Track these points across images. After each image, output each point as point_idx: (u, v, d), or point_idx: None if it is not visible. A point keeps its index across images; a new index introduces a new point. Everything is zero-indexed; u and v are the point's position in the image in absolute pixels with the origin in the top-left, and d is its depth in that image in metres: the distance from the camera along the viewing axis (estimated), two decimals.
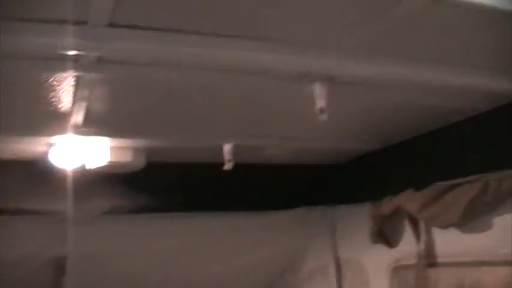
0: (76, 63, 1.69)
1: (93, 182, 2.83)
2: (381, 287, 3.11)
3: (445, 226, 2.60)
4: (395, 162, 2.98)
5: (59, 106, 2.12)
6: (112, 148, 2.63)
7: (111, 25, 1.51)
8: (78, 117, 2.21)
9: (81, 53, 1.59)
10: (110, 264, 3.19)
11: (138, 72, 1.81)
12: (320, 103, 1.91)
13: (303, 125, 2.64)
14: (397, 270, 3.06)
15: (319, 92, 1.93)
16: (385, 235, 3.03)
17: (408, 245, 2.92)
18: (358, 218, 3.28)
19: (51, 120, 2.29)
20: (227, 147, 2.62)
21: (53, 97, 2.03)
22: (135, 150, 2.66)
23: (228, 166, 2.64)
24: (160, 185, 2.96)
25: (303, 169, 3.29)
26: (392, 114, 2.55)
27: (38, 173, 2.77)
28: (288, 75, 1.92)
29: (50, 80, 1.86)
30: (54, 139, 2.53)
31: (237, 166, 2.72)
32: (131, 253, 3.17)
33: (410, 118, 2.60)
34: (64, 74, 1.79)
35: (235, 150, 2.71)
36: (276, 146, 2.89)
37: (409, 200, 2.78)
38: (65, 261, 3.09)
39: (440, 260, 2.75)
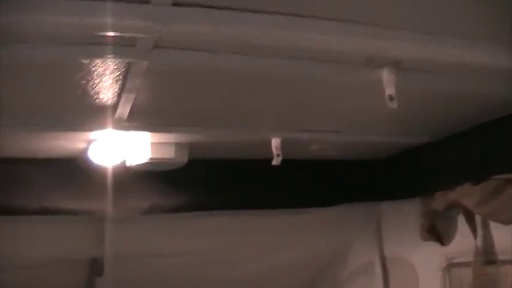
0: (132, 48, 1.55)
1: (133, 180, 2.71)
2: (432, 286, 2.96)
3: (507, 222, 2.45)
4: (447, 155, 2.83)
5: (104, 98, 2.00)
6: (154, 144, 2.51)
7: (176, 4, 1.38)
8: (123, 111, 2.09)
9: (141, 35, 1.46)
10: (148, 264, 3.08)
11: (194, 59, 1.68)
12: (389, 90, 1.77)
13: (353, 117, 2.51)
14: (450, 268, 2.91)
15: (388, 78, 1.79)
16: (437, 232, 2.89)
17: (462, 242, 2.78)
18: (405, 215, 3.15)
19: (93, 114, 2.17)
20: (276, 142, 2.49)
21: (98, 88, 1.90)
22: (178, 146, 2.54)
23: (276, 161, 2.51)
24: (202, 183, 2.83)
25: (347, 165, 3.15)
26: (449, 104, 2.40)
27: (76, 171, 2.66)
28: (353, 60, 1.78)
29: (99, 69, 1.73)
30: (94, 135, 2.41)
31: (281, 163, 2.59)
32: (171, 253, 3.06)
33: (467, 108, 2.45)
34: (116, 62, 1.66)
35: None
36: (322, 141, 2.75)
37: (466, 195, 2.63)
38: (103, 261, 2.98)
39: (500, 257, 2.60)
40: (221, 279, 3.27)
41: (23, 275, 3.03)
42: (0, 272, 2.88)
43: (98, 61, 1.66)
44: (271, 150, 2.58)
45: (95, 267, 3.10)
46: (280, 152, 2.49)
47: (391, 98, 1.77)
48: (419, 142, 2.92)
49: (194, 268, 3.15)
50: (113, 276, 3.08)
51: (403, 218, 3.17)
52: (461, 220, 2.78)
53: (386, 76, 1.79)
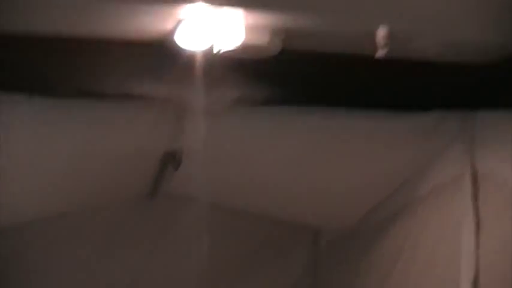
0: None
1: (221, 68, 2.54)
2: None
3: None
4: None
5: None
6: (247, 28, 2.31)
7: None
8: None
9: None
10: (228, 161, 2.97)
11: None
12: None
13: (469, 7, 2.24)
14: None
15: None
16: None
17: None
18: (504, 126, 2.88)
19: None
20: (381, 32, 2.26)
21: None
22: (273, 32, 2.33)
23: (380, 53, 2.29)
24: (294, 76, 2.63)
25: (446, 68, 2.88)
26: None
27: (162, 55, 2.49)
28: None
29: None
30: (183, 12, 2.22)
31: (378, 60, 2.37)
32: (253, 150, 2.92)
33: None
34: None
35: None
36: (427, 35, 2.49)
37: None
38: (181, 155, 2.87)
39: None
40: (304, 180, 3.13)
41: (96, 164, 2.96)
42: (72, 161, 2.81)
43: None
44: (371, 44, 2.35)
45: (172, 160, 3.01)
46: (386, 42, 2.25)
47: None
48: None
49: (277, 168, 3.01)
50: (190, 171, 2.98)
51: (502, 130, 2.90)
52: None
53: None
